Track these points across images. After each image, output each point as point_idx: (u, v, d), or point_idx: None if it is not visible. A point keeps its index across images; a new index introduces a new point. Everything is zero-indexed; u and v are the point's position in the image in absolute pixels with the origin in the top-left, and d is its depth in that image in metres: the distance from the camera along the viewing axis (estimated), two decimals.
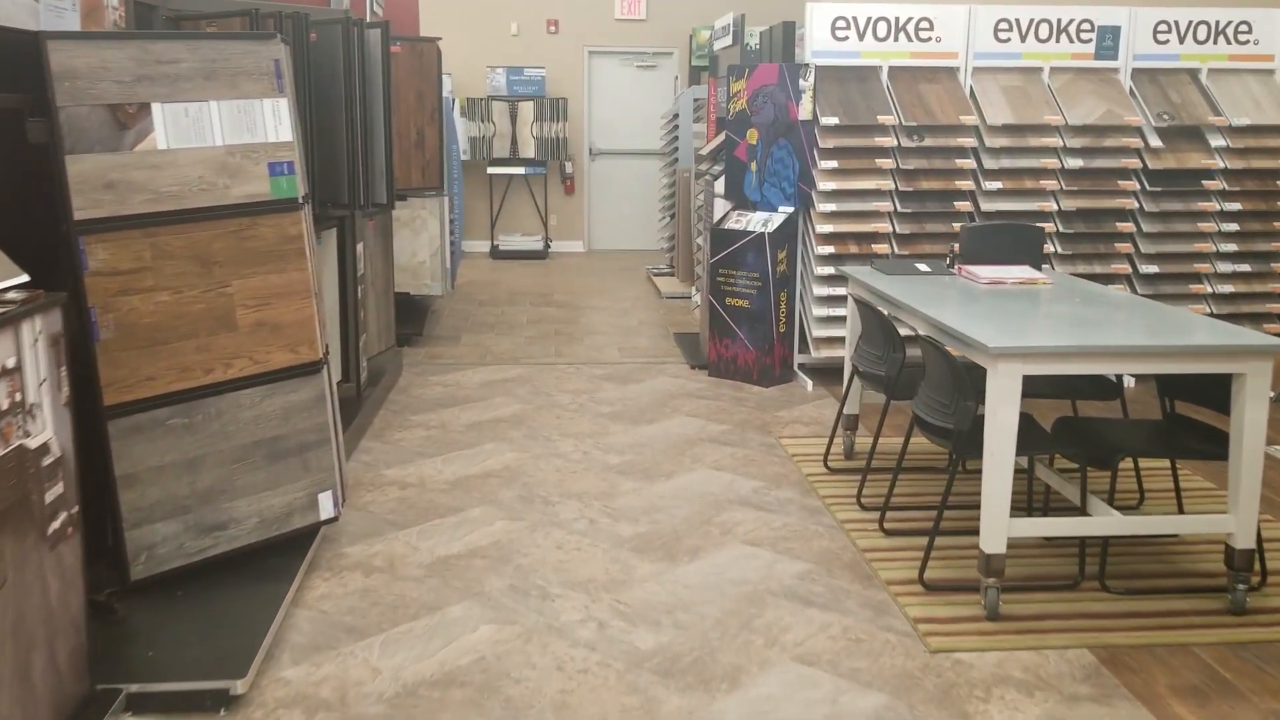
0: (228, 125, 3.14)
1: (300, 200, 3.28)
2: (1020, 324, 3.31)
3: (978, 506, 3.91)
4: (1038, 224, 5.69)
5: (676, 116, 9.22)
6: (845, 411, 4.48)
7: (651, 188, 11.55)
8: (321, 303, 3.49)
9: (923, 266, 4.43)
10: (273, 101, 3.22)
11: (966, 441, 3.20)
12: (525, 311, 7.94)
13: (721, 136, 6.44)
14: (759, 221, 5.75)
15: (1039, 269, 4.41)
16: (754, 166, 5.84)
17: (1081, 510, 3.31)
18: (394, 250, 6.56)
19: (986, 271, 4.21)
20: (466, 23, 11.04)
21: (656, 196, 11.55)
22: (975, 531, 3.67)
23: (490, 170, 10.89)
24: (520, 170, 10.91)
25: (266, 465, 3.24)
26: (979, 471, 4.13)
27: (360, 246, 5.00)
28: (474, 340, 6.87)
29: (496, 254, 10.94)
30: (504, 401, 5.40)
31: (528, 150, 10.85)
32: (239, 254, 3.16)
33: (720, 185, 6.02)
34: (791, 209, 5.70)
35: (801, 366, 5.94)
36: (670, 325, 7.48)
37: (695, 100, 8.99)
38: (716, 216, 6.03)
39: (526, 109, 10.80)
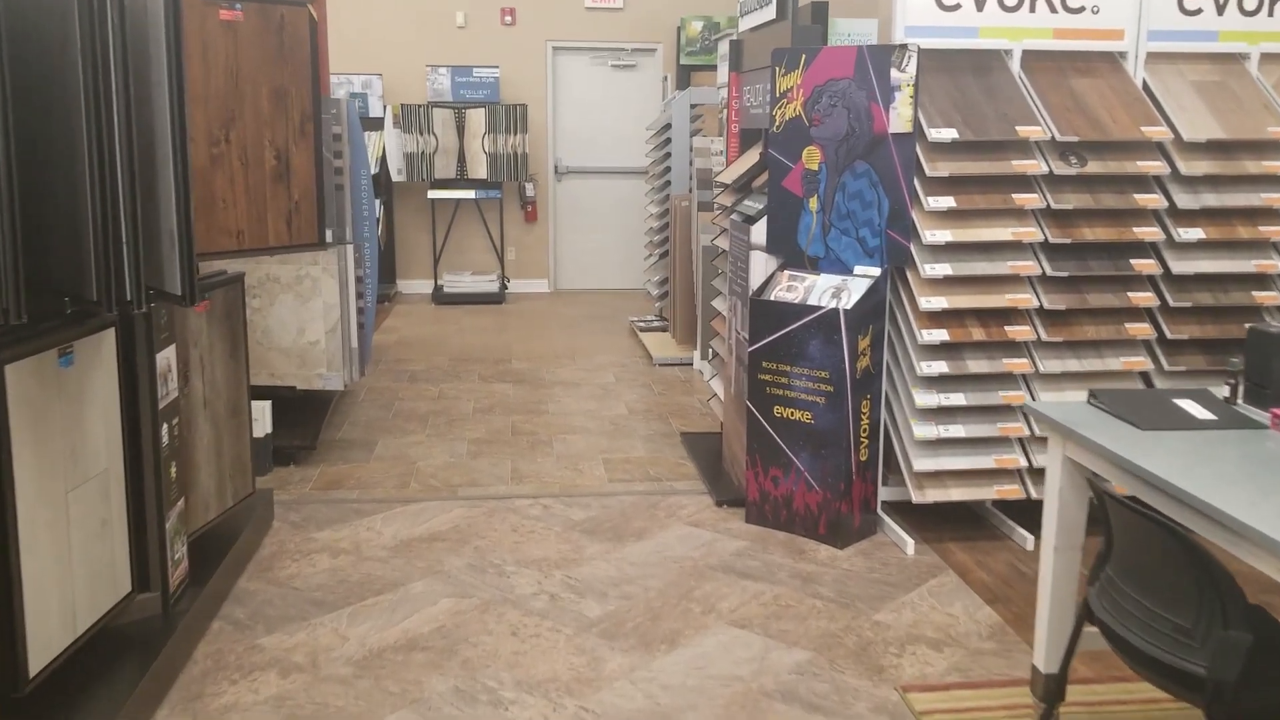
0: None
1: None
2: None
3: None
4: (1254, 291, 3.71)
5: (668, 128, 7.17)
6: (1042, 668, 2.45)
7: (632, 214, 9.49)
8: None
9: (1189, 406, 2.40)
10: None
11: None
12: (472, 391, 5.84)
13: (754, 157, 4.40)
14: (826, 291, 3.71)
15: None
16: (814, 204, 3.81)
17: None
18: (270, 328, 4.44)
19: None
20: (401, 11, 8.93)
21: (639, 226, 9.49)
22: None
23: (432, 194, 8.77)
24: (469, 194, 8.81)
25: None
26: None
27: (169, 353, 2.89)
28: (394, 449, 4.76)
29: (441, 298, 8.81)
30: (425, 593, 3.30)
31: (478, 169, 8.76)
32: None
33: (759, 231, 3.98)
34: (877, 271, 3.67)
35: (886, 505, 3.91)
36: (672, 414, 5.41)
37: (693, 107, 6.96)
38: (754, 279, 3.98)
39: (476, 118, 8.71)
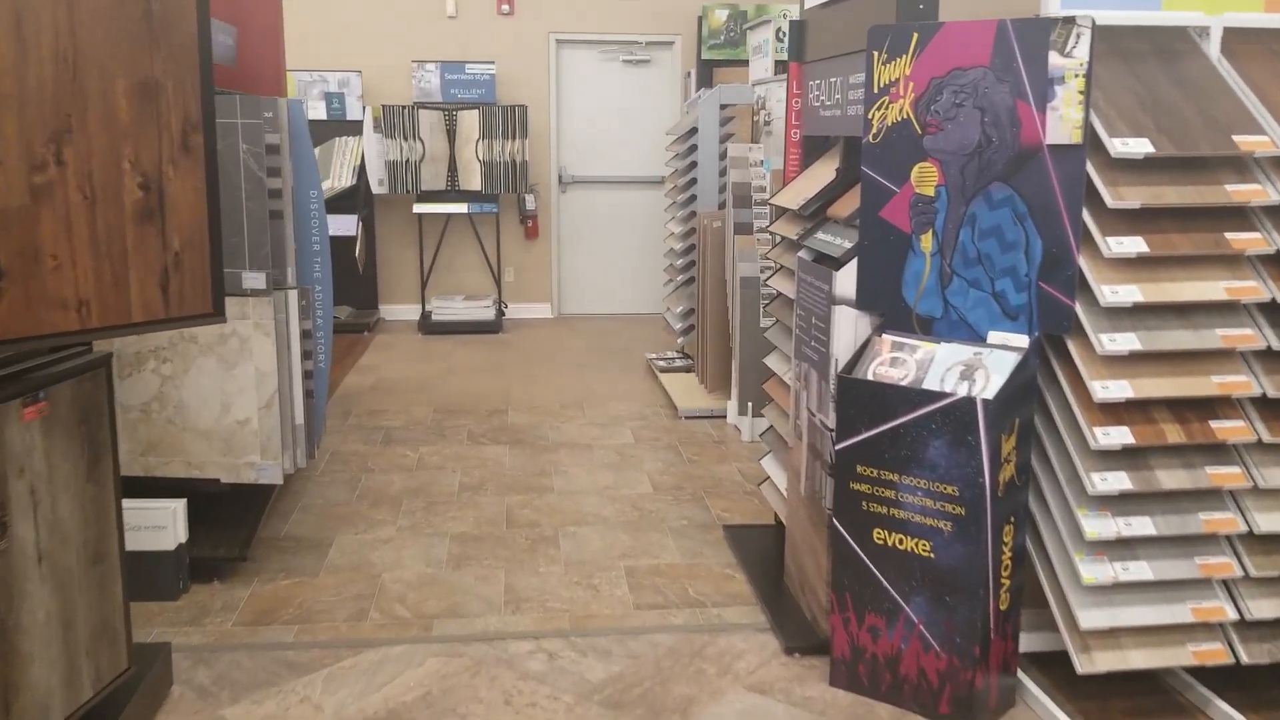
0: None
1: None
2: None
3: None
4: None
5: (693, 133, 6.09)
6: None
7: (647, 231, 8.39)
8: None
9: None
10: None
11: None
12: (460, 458, 4.74)
13: (827, 173, 3.31)
14: (950, 368, 2.61)
15: None
16: (928, 243, 2.71)
17: None
18: (185, 402, 3.35)
19: None
20: None
21: (656, 244, 8.40)
22: None
23: (418, 208, 7.68)
24: (461, 207, 7.72)
25: None
26: None
27: None
28: (354, 552, 3.67)
29: (429, 327, 7.72)
30: None
31: (471, 179, 7.67)
32: None
33: (845, 279, 2.89)
34: (1024, 340, 2.58)
35: (1025, 659, 2.82)
36: (708, 491, 4.32)
37: (724, 108, 5.87)
38: (840, 347, 2.88)
39: (469, 121, 7.62)
